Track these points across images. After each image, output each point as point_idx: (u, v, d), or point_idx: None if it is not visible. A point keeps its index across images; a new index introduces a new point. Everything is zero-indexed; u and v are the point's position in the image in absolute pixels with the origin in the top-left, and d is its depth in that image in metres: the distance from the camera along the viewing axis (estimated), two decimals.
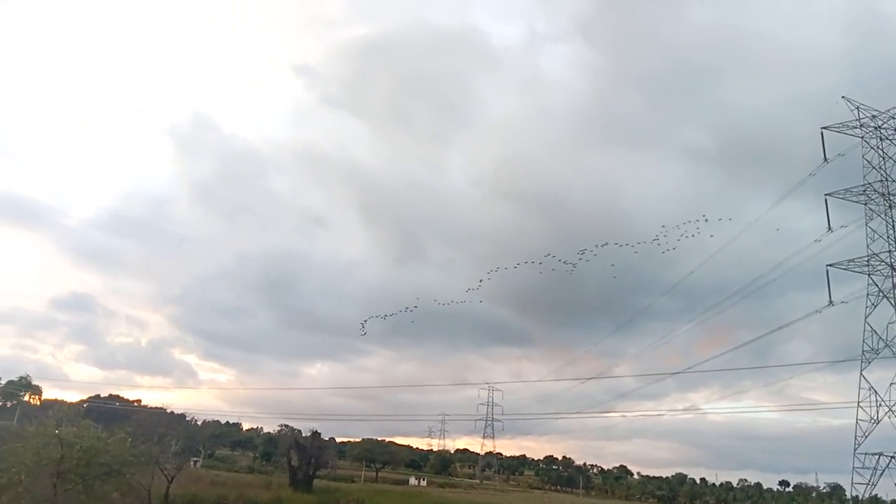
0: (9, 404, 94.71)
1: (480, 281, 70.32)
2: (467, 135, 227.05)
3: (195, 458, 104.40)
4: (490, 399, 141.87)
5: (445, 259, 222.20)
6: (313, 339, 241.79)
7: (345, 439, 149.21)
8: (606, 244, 61.93)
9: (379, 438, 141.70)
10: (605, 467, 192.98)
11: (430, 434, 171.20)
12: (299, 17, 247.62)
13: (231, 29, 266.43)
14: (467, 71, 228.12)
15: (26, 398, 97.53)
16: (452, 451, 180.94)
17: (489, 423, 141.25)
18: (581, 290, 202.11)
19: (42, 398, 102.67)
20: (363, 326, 76.92)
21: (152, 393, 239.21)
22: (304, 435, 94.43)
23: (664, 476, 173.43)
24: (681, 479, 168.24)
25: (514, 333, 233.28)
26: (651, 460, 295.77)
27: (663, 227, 64.32)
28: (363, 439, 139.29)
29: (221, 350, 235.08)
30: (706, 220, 67.60)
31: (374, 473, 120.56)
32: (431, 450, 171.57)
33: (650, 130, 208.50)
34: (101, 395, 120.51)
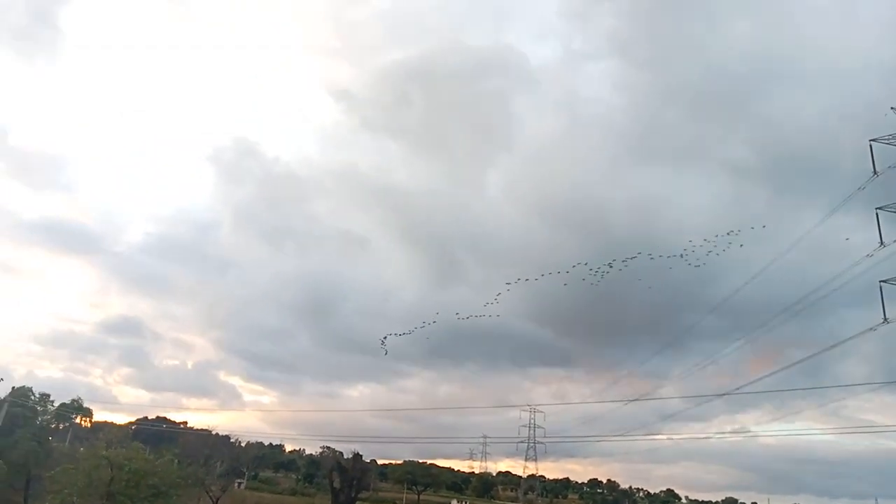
0: (61, 426, 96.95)
1: (498, 294, 69.60)
2: (505, 154, 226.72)
3: (239, 480, 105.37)
4: (532, 421, 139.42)
5: (484, 279, 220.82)
6: (354, 361, 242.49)
7: (386, 461, 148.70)
8: (638, 255, 60.61)
9: (420, 461, 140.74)
10: (652, 491, 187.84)
11: (471, 456, 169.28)
12: (337, 43, 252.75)
13: (271, 55, 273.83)
14: (504, 91, 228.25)
15: (78, 420, 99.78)
16: (494, 474, 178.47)
17: (531, 445, 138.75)
18: (624, 309, 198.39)
19: (93, 420, 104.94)
20: (383, 343, 75.92)
21: (198, 415, 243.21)
22: (345, 457, 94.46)
23: (714, 500, 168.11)
24: (731, 502, 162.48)
25: (556, 354, 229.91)
26: (700, 484, 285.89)
27: (690, 241, 62.48)
28: (404, 461, 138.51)
29: (264, 372, 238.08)
30: (738, 233, 65.32)
31: (416, 496, 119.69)
32: (473, 472, 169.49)
33: (690, 145, 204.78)
34: (149, 417, 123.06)
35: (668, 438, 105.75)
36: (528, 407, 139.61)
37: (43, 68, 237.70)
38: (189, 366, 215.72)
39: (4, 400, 71.80)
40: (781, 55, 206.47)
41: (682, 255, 62.14)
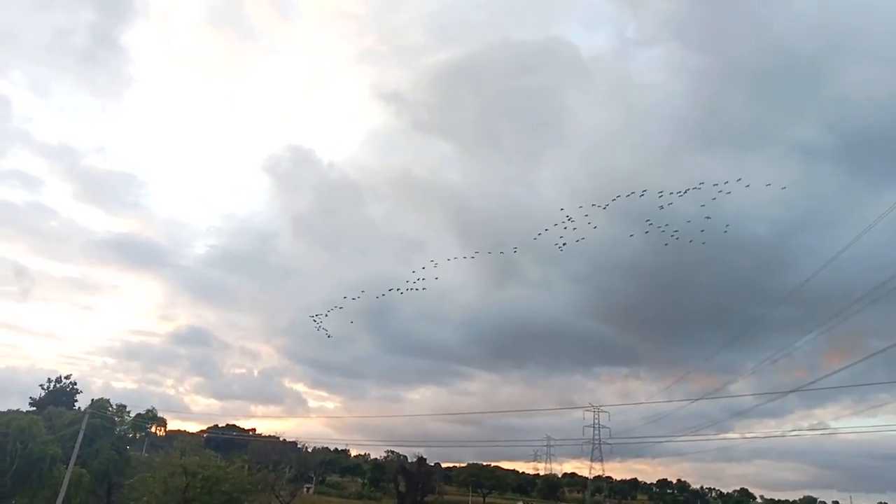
0: (138, 436, 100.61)
1: (434, 263, 66.25)
2: (559, 149, 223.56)
3: (308, 485, 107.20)
4: (596, 421, 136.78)
5: (542, 278, 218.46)
6: (415, 364, 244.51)
7: (450, 465, 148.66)
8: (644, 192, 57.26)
9: (484, 463, 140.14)
10: (725, 490, 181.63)
11: (535, 458, 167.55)
12: (384, 47, 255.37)
13: (320, 64, 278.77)
14: (555, 84, 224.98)
15: (153, 430, 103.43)
16: (560, 475, 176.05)
17: (596, 445, 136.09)
18: (688, 302, 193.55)
19: (167, 429, 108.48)
20: (316, 322, 71.34)
21: (265, 422, 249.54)
22: (410, 461, 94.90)
23: (791, 500, 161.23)
24: (810, 501, 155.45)
25: (620, 351, 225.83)
26: (776, 482, 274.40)
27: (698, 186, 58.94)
28: (469, 464, 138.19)
29: (328, 378, 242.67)
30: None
31: (482, 498, 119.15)
32: (538, 474, 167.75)
33: (756, 130, 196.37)
34: (219, 425, 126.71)
35: (741, 437, 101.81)
36: (591, 407, 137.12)
37: (106, 89, 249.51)
38: (255, 373, 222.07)
39: (85, 412, 74.78)
40: (850, 29, 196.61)
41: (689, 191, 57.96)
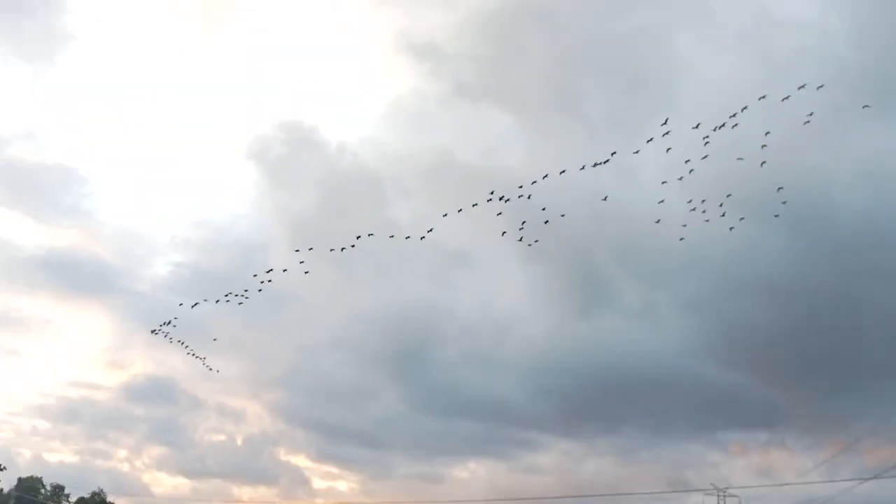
0: None
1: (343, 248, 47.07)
2: (667, 118, 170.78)
3: None
4: None
5: (644, 301, 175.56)
6: (462, 428, 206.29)
7: None
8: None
9: None
10: None
11: None
12: None
13: (326, 11, 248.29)
14: (662, 27, 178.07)
15: None
16: None
17: None
18: (860, 337, 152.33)
19: None
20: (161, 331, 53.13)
21: None
22: None
23: None
24: None
25: (756, 408, 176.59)
26: None
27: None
28: None
29: (340, 447, 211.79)
30: None
31: None
32: None
33: None
34: None
35: None
36: (714, 489, 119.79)
37: (34, 50, 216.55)
38: (239, 441, 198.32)
39: (9, 495, 72.94)
40: None
41: None
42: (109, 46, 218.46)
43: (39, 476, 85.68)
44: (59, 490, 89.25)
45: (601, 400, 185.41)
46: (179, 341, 57.86)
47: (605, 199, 50.07)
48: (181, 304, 54.88)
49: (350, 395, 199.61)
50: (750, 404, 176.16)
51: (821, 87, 42.34)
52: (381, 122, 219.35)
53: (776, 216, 50.63)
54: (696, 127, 43.35)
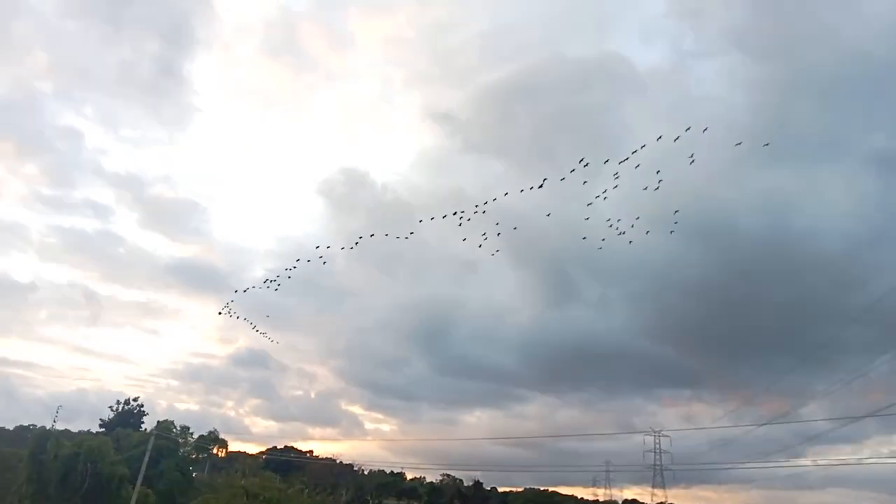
0: (200, 457, 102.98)
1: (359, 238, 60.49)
2: (615, 166, 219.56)
3: None
4: (657, 446, 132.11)
5: (601, 297, 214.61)
6: (470, 386, 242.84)
7: (507, 489, 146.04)
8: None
9: (542, 488, 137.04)
10: None
11: (594, 483, 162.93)
12: (435, 70, 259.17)
13: (373, 89, 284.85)
14: (611, 100, 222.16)
15: (214, 451, 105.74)
16: (620, 502, 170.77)
17: (658, 471, 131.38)
18: (753, 321, 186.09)
19: (227, 451, 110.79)
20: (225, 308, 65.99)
21: (323, 444, 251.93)
22: (466, 485, 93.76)
23: None
24: None
25: (682, 373, 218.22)
26: None
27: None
28: (525, 489, 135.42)
29: (384, 400, 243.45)
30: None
31: None
32: (597, 500, 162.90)
33: (828, 141, 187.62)
34: (278, 447, 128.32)
35: (814, 463, 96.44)
36: (652, 431, 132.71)
37: (170, 119, 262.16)
38: (312, 395, 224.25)
39: (150, 433, 77.04)
40: None
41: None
42: (223, 116, 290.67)
43: (172, 420, 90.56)
44: (185, 430, 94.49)
45: (570, 367, 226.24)
46: (245, 319, 67.98)
47: (548, 214, 58.59)
48: (236, 291, 65.91)
49: (391, 362, 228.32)
50: (678, 370, 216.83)
51: (706, 129, 48.05)
52: (413, 168, 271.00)
53: (671, 232, 58.61)
54: (606, 162, 49.98)
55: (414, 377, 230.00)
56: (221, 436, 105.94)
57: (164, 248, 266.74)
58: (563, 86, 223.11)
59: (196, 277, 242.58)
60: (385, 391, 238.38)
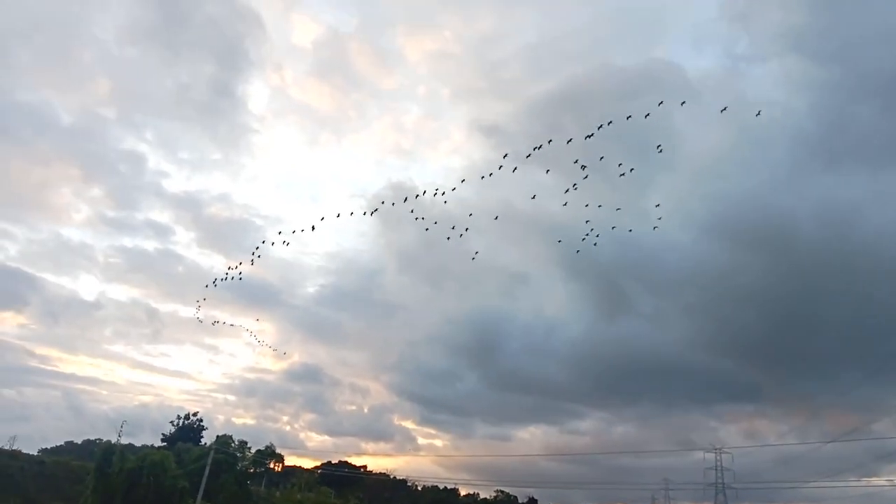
0: (257, 471, 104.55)
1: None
2: (668, 175, 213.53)
3: None
4: (718, 463, 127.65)
5: (656, 309, 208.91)
6: (523, 401, 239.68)
7: None
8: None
9: None
10: None
11: (652, 501, 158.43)
12: (482, 83, 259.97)
13: (421, 102, 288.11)
14: (661, 108, 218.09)
15: (271, 465, 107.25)
16: None
17: (720, 490, 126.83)
18: (820, 333, 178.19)
19: (284, 465, 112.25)
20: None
21: (376, 459, 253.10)
22: (520, 501, 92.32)
23: None
24: None
25: (743, 388, 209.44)
26: None
27: None
28: None
29: (436, 415, 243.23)
30: None
31: None
32: None
33: (891, 144, 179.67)
34: (332, 462, 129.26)
35: (890, 483, 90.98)
36: (713, 448, 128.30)
37: (226, 139, 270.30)
38: (365, 410, 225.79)
39: (210, 447, 78.79)
40: None
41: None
42: (275, 135, 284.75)
43: (230, 434, 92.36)
44: (243, 444, 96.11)
45: (624, 380, 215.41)
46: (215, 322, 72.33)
47: (587, 221, 56.91)
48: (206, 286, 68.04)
49: (442, 377, 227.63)
50: (738, 384, 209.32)
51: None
52: (461, 181, 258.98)
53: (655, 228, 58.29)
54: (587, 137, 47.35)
55: (465, 391, 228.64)
56: (277, 450, 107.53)
57: (221, 265, 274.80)
58: (612, 95, 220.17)
59: (251, 294, 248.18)
60: (437, 406, 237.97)
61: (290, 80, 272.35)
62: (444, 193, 50.01)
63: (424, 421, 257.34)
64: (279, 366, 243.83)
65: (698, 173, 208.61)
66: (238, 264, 61.34)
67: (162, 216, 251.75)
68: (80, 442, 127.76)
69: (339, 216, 60.65)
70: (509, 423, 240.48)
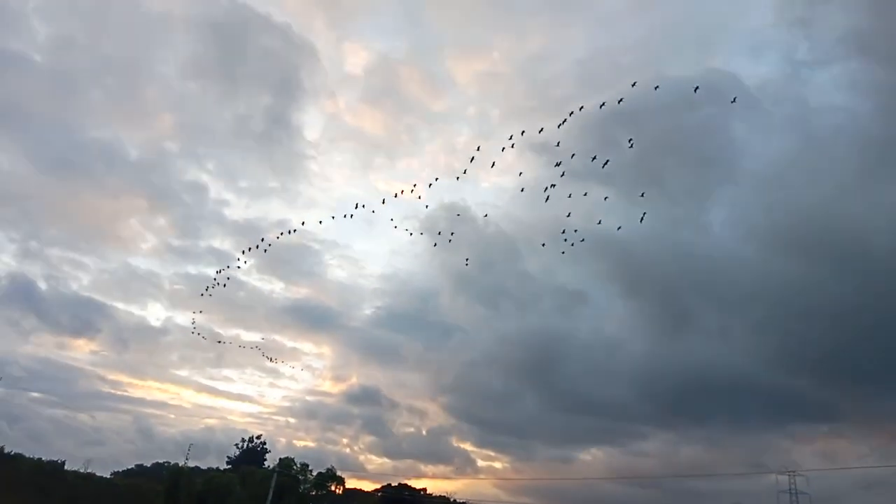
0: (318, 493, 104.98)
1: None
2: (729, 186, 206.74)
3: None
4: (793, 486, 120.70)
5: (722, 326, 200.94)
6: (584, 422, 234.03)
7: None
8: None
9: None
10: None
11: None
12: (533, 102, 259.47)
13: (472, 123, 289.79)
14: (719, 118, 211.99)
15: (332, 488, 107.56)
16: None
17: None
18: (894, 349, 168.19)
19: (345, 487, 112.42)
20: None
21: (435, 482, 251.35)
22: None
23: None
24: None
25: (817, 406, 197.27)
26: None
27: None
28: None
29: (495, 437, 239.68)
30: None
31: None
32: None
33: None
34: (392, 485, 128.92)
35: None
36: (787, 471, 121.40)
37: (282, 167, 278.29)
38: (424, 432, 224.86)
39: (273, 470, 79.68)
40: None
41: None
42: (330, 161, 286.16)
43: (292, 457, 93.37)
44: (305, 467, 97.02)
45: (691, 400, 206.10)
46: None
47: (619, 228, 57.50)
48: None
49: (501, 398, 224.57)
50: (811, 402, 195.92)
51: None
52: (514, 200, 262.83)
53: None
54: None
55: (524, 413, 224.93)
56: (338, 473, 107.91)
57: (280, 290, 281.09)
58: (666, 107, 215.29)
59: (309, 317, 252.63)
60: (495, 427, 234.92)
61: (344, 107, 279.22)
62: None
63: (483, 443, 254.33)
64: (338, 388, 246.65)
65: (760, 184, 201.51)
66: (235, 263, 71.17)
67: (223, 243, 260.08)
68: (149, 465, 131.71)
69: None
70: (570, 444, 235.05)
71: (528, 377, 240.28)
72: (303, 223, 66.60)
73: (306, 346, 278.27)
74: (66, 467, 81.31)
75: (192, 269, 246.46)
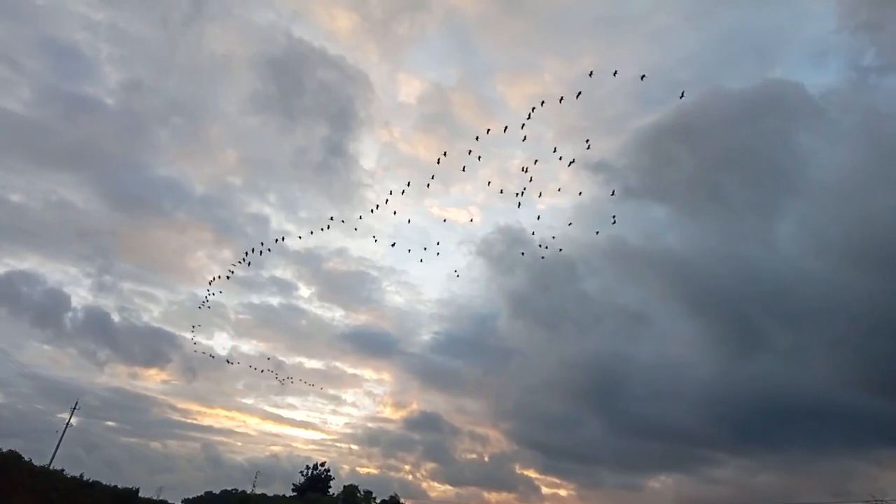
0: None
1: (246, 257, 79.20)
2: (796, 199, 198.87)
3: None
4: None
5: (794, 344, 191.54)
6: (652, 448, 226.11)
7: None
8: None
9: None
10: None
11: None
12: (587, 122, 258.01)
13: (526, 146, 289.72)
14: (783, 129, 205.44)
15: None
16: None
17: None
18: None
19: None
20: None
21: None
22: None
23: None
24: None
25: None
26: None
27: None
28: None
29: (559, 463, 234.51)
30: None
31: None
32: None
33: None
34: None
35: None
36: (873, 500, 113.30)
37: (340, 196, 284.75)
38: (486, 459, 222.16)
39: (338, 497, 79.69)
40: None
41: None
42: (386, 188, 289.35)
43: (356, 484, 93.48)
44: (368, 494, 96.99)
45: (764, 424, 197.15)
46: (292, 380, 77.83)
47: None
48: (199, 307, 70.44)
49: (563, 423, 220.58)
50: None
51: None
52: (571, 220, 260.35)
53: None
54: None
55: (588, 438, 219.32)
56: (401, 500, 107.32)
57: (340, 317, 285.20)
58: (726, 121, 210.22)
59: (369, 344, 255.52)
60: (559, 453, 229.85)
61: (398, 136, 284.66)
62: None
63: (547, 469, 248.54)
64: (399, 414, 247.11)
65: (829, 195, 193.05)
66: (230, 269, 73.16)
67: (285, 273, 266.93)
68: (217, 492, 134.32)
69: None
70: (638, 471, 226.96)
71: (591, 401, 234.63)
72: (283, 238, 71.71)
73: (367, 372, 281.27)
74: (140, 494, 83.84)
75: (255, 299, 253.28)
